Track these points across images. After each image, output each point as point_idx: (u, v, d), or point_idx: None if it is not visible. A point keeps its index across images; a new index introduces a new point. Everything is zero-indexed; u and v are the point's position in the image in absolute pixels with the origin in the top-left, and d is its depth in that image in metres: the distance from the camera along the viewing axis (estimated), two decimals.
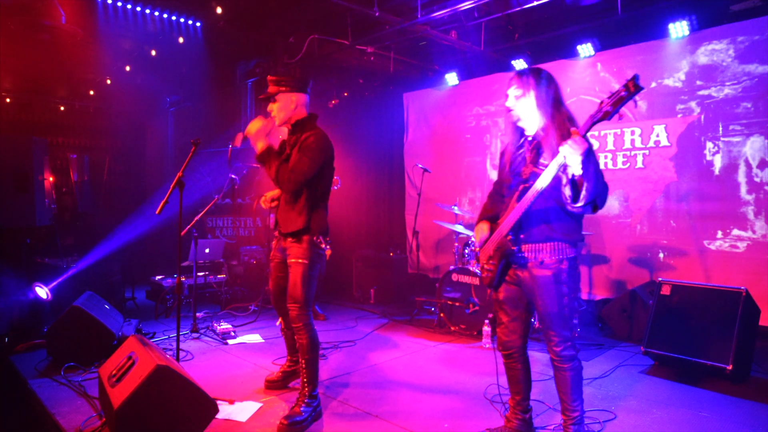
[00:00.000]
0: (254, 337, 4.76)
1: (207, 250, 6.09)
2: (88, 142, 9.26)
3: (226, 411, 3.05)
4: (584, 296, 5.48)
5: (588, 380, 3.60)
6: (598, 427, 2.87)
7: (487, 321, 4.36)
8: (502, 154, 2.64)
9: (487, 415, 3.02)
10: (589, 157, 2.13)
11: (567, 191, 2.22)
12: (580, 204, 2.19)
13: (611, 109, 2.06)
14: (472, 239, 4.90)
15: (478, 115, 6.70)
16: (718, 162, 4.78)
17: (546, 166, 2.27)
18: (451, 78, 6.74)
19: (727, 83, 4.71)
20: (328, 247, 3.07)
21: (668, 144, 5.05)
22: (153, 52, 6.81)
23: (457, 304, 4.88)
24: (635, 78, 2.00)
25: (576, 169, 2.12)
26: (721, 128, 4.75)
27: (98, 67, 7.52)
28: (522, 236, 2.39)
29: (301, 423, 2.83)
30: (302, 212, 2.95)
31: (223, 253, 6.39)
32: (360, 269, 6.67)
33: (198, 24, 6.30)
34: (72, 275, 5.35)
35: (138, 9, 5.74)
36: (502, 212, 2.52)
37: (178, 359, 3.50)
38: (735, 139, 4.67)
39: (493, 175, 6.40)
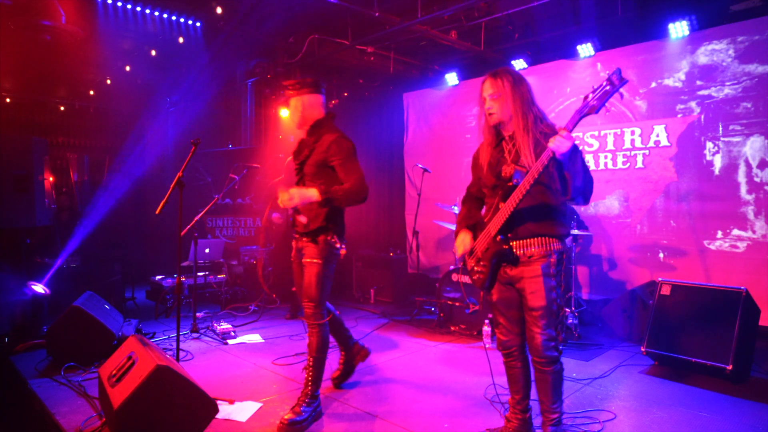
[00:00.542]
0: (254, 337, 4.76)
1: (207, 250, 6.09)
2: (88, 142, 9.26)
3: (226, 411, 3.05)
4: (584, 296, 5.48)
5: (588, 380, 3.60)
6: (598, 427, 2.87)
7: (487, 321, 4.37)
8: (476, 156, 2.64)
9: (487, 415, 3.02)
10: (576, 152, 2.18)
11: (557, 185, 2.27)
12: (569, 196, 2.25)
13: (597, 104, 2.08)
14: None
15: (478, 115, 6.70)
16: (718, 162, 4.78)
17: (527, 164, 2.29)
18: (451, 78, 6.74)
19: (727, 83, 4.71)
20: (343, 246, 3.08)
21: (668, 144, 5.05)
22: (153, 52, 6.80)
23: (457, 304, 4.88)
24: (618, 71, 2.03)
25: (565, 163, 2.16)
26: (721, 128, 4.75)
27: (98, 67, 7.52)
28: (510, 234, 2.41)
29: (301, 423, 2.83)
30: (320, 213, 2.97)
31: (223, 253, 6.38)
32: (360, 269, 6.67)
33: (198, 24, 6.29)
34: (71, 272, 5.35)
35: (138, 9, 5.74)
36: (486, 214, 2.53)
37: (178, 359, 3.50)
38: (735, 139, 4.67)
39: None
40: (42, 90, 8.52)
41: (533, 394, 2.59)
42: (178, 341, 3.54)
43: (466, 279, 4.80)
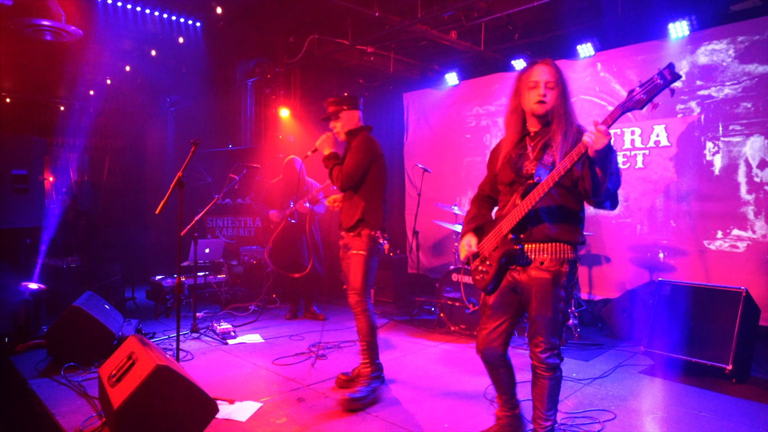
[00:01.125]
0: (254, 337, 4.76)
1: (207, 250, 6.09)
2: (88, 142, 9.26)
3: (226, 411, 3.05)
4: (584, 296, 5.48)
5: (588, 380, 3.60)
6: (598, 427, 2.87)
7: None
8: (495, 151, 2.51)
9: (487, 415, 3.02)
10: (612, 150, 2.02)
11: (588, 184, 2.09)
12: (600, 198, 2.10)
13: (645, 98, 1.89)
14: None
15: (478, 115, 6.70)
16: (718, 162, 4.78)
17: (551, 162, 2.18)
18: (451, 78, 6.74)
19: (727, 83, 4.71)
20: (386, 241, 3.37)
21: (668, 144, 5.05)
22: (153, 52, 6.80)
23: (457, 304, 4.88)
24: (671, 65, 1.84)
25: (598, 161, 2.00)
26: (721, 128, 4.75)
27: (98, 67, 7.52)
28: (523, 236, 2.28)
29: (361, 400, 3.12)
30: (357, 208, 3.32)
31: (223, 253, 6.39)
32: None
33: (198, 24, 6.29)
34: (71, 272, 5.35)
35: (138, 9, 5.74)
36: (499, 212, 2.40)
37: (178, 359, 3.50)
38: (735, 139, 4.67)
39: None
40: (42, 90, 8.52)
41: (528, 394, 2.54)
42: (178, 341, 3.54)
43: (466, 279, 4.80)
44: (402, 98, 7.57)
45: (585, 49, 5.44)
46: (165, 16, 6.01)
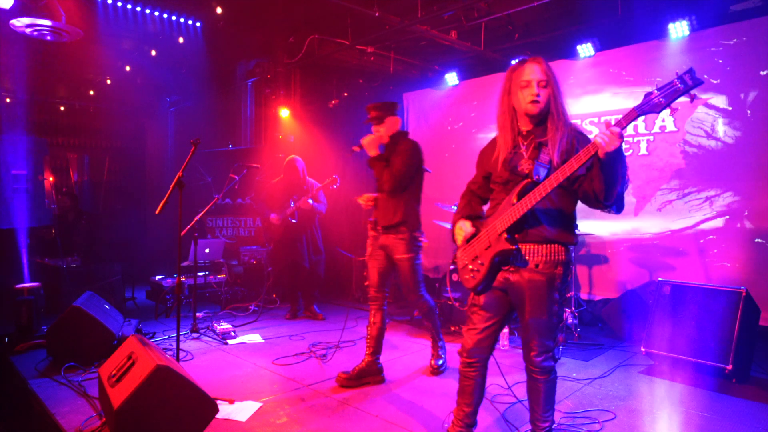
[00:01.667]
0: (254, 337, 4.76)
1: (207, 250, 6.09)
2: (88, 142, 9.27)
3: (226, 411, 3.05)
4: (584, 296, 5.47)
5: (588, 380, 3.61)
6: (597, 427, 2.87)
7: None
8: (486, 151, 2.47)
9: (487, 415, 3.02)
10: (622, 152, 1.98)
11: (598, 187, 2.04)
12: (610, 201, 2.06)
13: (664, 102, 1.84)
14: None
15: (478, 115, 6.69)
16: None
17: (548, 160, 2.15)
18: (451, 78, 6.74)
19: (727, 83, 4.70)
20: (425, 240, 3.68)
21: (675, 129, 4.99)
22: (153, 52, 6.81)
23: (457, 304, 4.88)
24: (691, 70, 1.79)
25: (608, 163, 1.95)
26: (721, 126, 4.74)
27: (98, 67, 7.53)
28: (518, 236, 2.22)
29: (440, 367, 3.78)
30: (398, 208, 3.53)
31: (223, 253, 6.39)
32: (360, 269, 6.67)
33: (198, 24, 6.30)
34: (71, 272, 5.34)
35: (138, 9, 5.75)
36: (492, 210, 2.35)
37: (178, 359, 3.50)
38: (737, 134, 4.67)
39: None
40: (42, 90, 8.52)
41: (520, 392, 2.51)
42: (178, 341, 3.54)
43: None
44: (402, 98, 7.57)
45: (585, 49, 5.44)
46: (165, 16, 6.02)
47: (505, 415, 3.02)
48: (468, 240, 2.39)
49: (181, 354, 3.93)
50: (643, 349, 3.91)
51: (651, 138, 5.15)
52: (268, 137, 7.56)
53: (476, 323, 2.38)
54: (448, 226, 5.30)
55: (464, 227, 2.41)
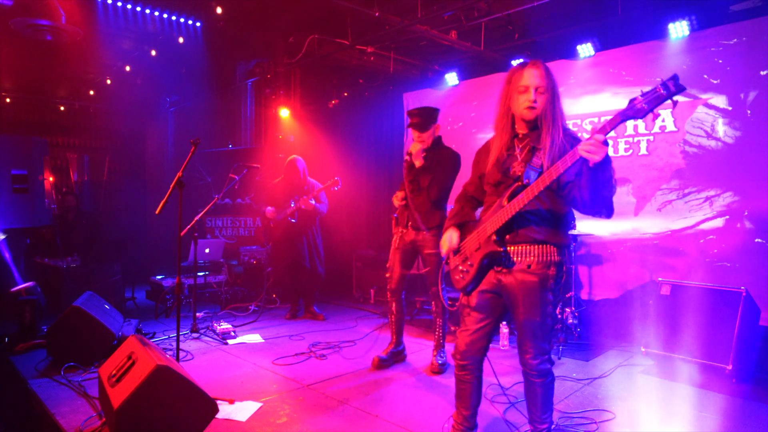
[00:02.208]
0: (254, 337, 4.76)
1: (207, 250, 6.09)
2: (88, 142, 9.27)
3: (226, 411, 3.05)
4: (584, 296, 5.47)
5: (588, 380, 3.61)
6: (597, 427, 2.87)
7: (504, 322, 4.32)
8: (481, 152, 2.48)
9: (487, 415, 3.02)
10: (609, 160, 1.98)
11: (586, 194, 2.06)
12: (597, 207, 2.09)
13: (647, 107, 1.86)
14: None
15: (478, 115, 6.69)
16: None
17: (539, 164, 2.15)
18: (451, 78, 6.74)
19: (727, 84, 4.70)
20: None
21: (675, 129, 4.99)
22: (153, 52, 6.81)
23: (448, 302, 4.87)
24: (675, 77, 1.82)
25: (593, 172, 1.97)
26: (721, 126, 4.74)
27: (98, 67, 7.53)
28: (508, 237, 2.23)
29: (442, 365, 3.82)
30: (437, 211, 3.79)
31: (223, 253, 6.39)
32: (360, 269, 6.67)
33: (198, 24, 6.30)
34: (71, 272, 5.34)
35: (138, 9, 5.75)
36: (484, 212, 2.36)
37: (178, 359, 3.50)
38: (738, 134, 4.67)
39: None
40: (42, 90, 8.53)
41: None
42: (178, 341, 3.54)
43: None
44: (402, 98, 7.56)
45: (585, 49, 5.43)
46: (165, 16, 6.02)
47: (505, 415, 3.02)
48: (455, 252, 2.43)
49: (181, 354, 3.93)
50: (643, 349, 3.91)
51: (651, 138, 5.15)
52: (268, 137, 7.56)
53: (468, 325, 2.39)
54: None
55: (451, 239, 2.46)
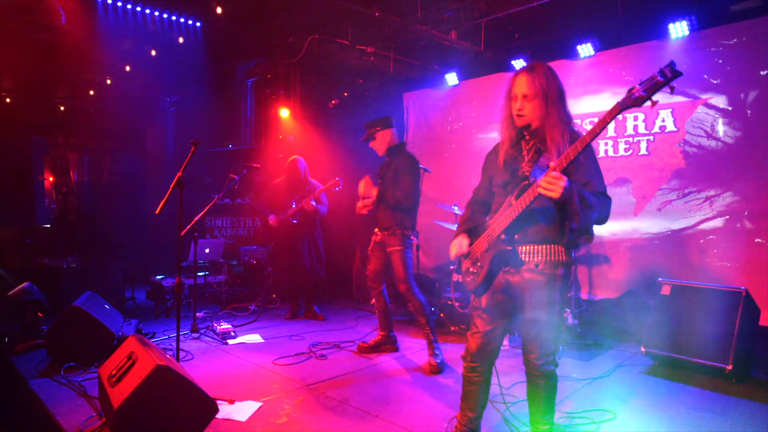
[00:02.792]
0: (254, 337, 4.76)
1: (207, 250, 6.09)
2: (88, 142, 9.28)
3: (226, 411, 3.05)
4: (584, 296, 5.47)
5: (588, 380, 3.60)
6: (597, 427, 2.87)
7: None
8: (491, 155, 2.49)
9: (487, 415, 3.02)
10: (570, 199, 2.01)
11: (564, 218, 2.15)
12: (565, 240, 2.18)
13: (645, 95, 1.90)
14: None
15: (479, 115, 6.69)
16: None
17: (546, 164, 2.14)
18: (451, 78, 6.74)
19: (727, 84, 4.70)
20: (416, 239, 4.17)
21: (675, 129, 4.99)
22: (153, 52, 6.81)
23: (457, 304, 4.88)
24: (671, 63, 1.87)
25: (562, 204, 2.06)
26: (721, 126, 4.74)
27: (98, 67, 7.53)
28: (517, 236, 2.23)
29: (440, 365, 3.84)
30: (393, 213, 4.00)
31: (223, 253, 6.39)
32: (360, 269, 6.67)
33: (198, 24, 6.30)
34: (71, 272, 5.34)
35: (138, 9, 5.75)
36: (493, 214, 2.38)
37: (178, 359, 3.50)
38: (737, 134, 4.67)
39: None
40: (42, 90, 8.52)
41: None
42: (178, 341, 3.54)
43: None
44: (402, 98, 7.56)
45: (585, 49, 5.43)
46: (165, 16, 6.03)
47: (505, 416, 3.02)
48: (465, 256, 2.44)
49: (181, 354, 3.94)
50: (643, 349, 3.91)
51: (651, 138, 5.15)
52: (268, 137, 7.57)
53: (479, 327, 2.39)
54: (448, 226, 5.31)
55: (461, 245, 2.44)
